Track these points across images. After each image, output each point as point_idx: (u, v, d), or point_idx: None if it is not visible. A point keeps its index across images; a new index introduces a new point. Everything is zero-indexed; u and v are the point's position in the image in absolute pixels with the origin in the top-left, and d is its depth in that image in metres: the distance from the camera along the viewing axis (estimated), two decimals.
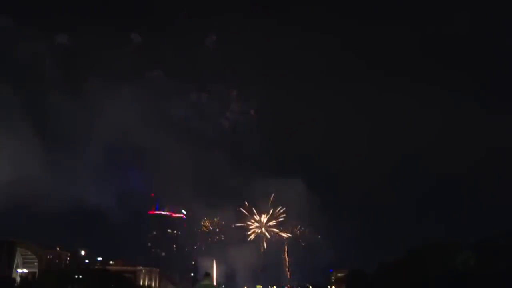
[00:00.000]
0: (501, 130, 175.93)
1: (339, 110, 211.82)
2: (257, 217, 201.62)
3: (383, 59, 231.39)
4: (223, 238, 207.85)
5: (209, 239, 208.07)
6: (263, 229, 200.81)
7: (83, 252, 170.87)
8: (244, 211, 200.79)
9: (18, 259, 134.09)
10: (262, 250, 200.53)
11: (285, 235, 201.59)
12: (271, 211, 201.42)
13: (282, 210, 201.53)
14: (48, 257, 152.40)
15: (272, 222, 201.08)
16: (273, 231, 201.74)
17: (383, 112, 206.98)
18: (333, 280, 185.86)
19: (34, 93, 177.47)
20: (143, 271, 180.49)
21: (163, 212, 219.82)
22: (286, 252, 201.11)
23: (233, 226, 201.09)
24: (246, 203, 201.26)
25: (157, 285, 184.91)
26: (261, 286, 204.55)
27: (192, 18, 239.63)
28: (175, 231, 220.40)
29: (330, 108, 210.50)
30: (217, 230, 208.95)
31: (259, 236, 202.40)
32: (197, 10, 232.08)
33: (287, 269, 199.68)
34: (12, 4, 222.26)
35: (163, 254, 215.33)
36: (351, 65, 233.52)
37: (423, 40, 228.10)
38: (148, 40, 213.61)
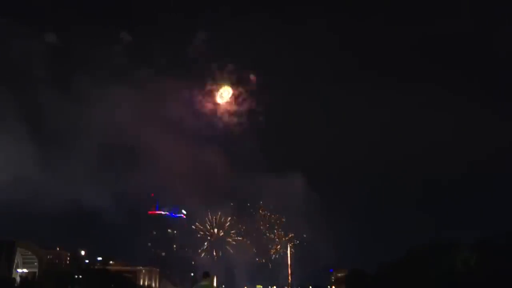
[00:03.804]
0: (501, 130, 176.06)
1: (338, 109, 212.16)
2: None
3: (384, 58, 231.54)
4: (221, 234, 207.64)
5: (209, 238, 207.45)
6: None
7: (83, 252, 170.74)
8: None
9: (18, 259, 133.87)
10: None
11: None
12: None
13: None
14: (48, 257, 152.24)
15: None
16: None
17: (384, 111, 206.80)
18: (333, 280, 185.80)
19: (28, 93, 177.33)
20: (143, 271, 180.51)
21: (163, 212, 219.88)
22: (289, 252, 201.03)
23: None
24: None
25: (157, 285, 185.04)
26: (261, 286, 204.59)
27: (182, 16, 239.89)
28: (175, 231, 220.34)
29: (329, 107, 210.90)
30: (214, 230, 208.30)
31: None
32: (187, 8, 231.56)
33: (289, 269, 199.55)
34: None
35: (163, 254, 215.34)
36: (350, 64, 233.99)
37: (426, 39, 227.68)
38: (138, 39, 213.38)
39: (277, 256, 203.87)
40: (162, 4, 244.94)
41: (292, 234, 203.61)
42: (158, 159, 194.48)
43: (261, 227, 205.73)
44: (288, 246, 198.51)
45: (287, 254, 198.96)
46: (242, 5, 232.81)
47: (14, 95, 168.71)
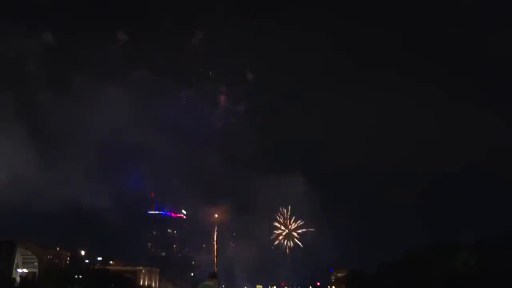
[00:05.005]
0: (500, 130, 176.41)
1: (339, 109, 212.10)
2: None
3: (382, 59, 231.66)
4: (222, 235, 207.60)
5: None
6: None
7: (83, 252, 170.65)
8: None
9: (18, 259, 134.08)
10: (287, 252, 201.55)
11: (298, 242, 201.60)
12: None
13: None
14: (48, 257, 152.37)
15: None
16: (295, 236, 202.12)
17: (383, 112, 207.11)
18: (333, 280, 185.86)
19: (27, 93, 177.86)
20: (143, 271, 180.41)
21: (162, 212, 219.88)
22: (288, 252, 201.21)
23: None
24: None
25: (157, 285, 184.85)
26: (261, 286, 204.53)
27: (179, 16, 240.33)
28: (175, 231, 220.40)
29: (329, 107, 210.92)
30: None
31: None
32: (184, 8, 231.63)
33: (288, 269, 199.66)
34: None
35: (163, 254, 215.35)
36: (348, 64, 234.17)
37: (422, 40, 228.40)
38: (135, 38, 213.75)
39: (275, 254, 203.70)
40: (159, 5, 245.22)
41: (298, 224, 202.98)
42: (158, 159, 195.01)
43: (262, 225, 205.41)
44: (291, 238, 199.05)
45: (287, 253, 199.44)
46: (240, 6, 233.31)
47: (12, 95, 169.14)
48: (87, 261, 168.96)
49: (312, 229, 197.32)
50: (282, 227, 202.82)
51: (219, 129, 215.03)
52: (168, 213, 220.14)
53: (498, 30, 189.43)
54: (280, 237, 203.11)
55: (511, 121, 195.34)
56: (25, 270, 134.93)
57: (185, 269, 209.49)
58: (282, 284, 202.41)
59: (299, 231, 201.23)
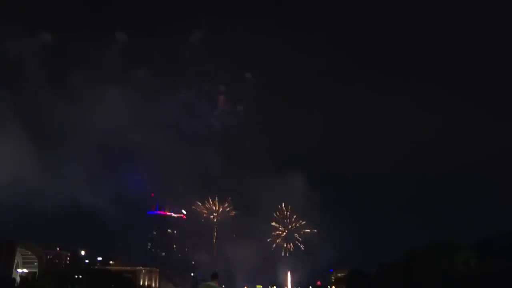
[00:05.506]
0: (501, 131, 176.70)
1: (338, 109, 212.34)
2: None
3: (381, 59, 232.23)
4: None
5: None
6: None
7: (83, 252, 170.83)
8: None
9: (18, 259, 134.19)
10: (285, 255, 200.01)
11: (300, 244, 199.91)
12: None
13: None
14: (48, 257, 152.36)
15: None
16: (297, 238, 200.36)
17: (383, 112, 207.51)
18: (333, 280, 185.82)
19: (27, 94, 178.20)
20: (143, 271, 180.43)
21: (163, 212, 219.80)
22: (286, 252, 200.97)
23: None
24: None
25: (157, 285, 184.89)
26: (261, 286, 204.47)
27: (179, 15, 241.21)
28: (175, 231, 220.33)
29: (329, 107, 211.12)
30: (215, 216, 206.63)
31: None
32: (184, 8, 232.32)
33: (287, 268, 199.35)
34: None
35: (163, 254, 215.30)
36: (348, 64, 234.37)
37: (422, 40, 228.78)
38: (135, 38, 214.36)
39: (275, 255, 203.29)
40: (159, 4, 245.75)
41: (299, 223, 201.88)
42: (158, 159, 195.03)
43: (262, 225, 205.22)
44: (291, 238, 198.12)
45: (287, 253, 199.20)
46: (240, 6, 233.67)
47: (12, 95, 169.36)
48: (87, 261, 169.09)
49: (315, 230, 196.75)
50: (282, 228, 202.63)
51: (219, 129, 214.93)
52: (168, 213, 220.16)
53: (497, 29, 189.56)
54: (280, 238, 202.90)
55: (511, 121, 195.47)
56: (25, 270, 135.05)
57: (185, 269, 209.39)
58: (282, 284, 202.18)
59: (300, 231, 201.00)
